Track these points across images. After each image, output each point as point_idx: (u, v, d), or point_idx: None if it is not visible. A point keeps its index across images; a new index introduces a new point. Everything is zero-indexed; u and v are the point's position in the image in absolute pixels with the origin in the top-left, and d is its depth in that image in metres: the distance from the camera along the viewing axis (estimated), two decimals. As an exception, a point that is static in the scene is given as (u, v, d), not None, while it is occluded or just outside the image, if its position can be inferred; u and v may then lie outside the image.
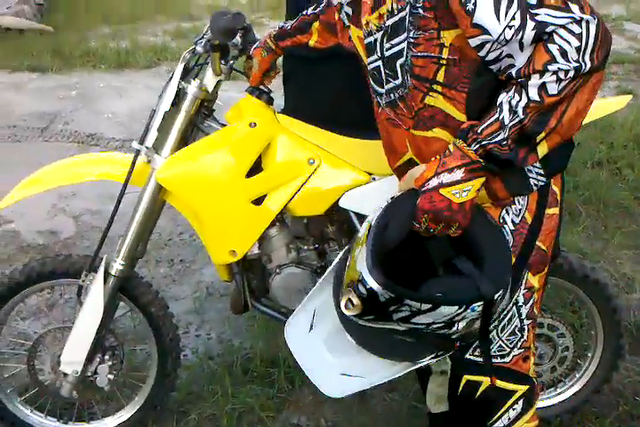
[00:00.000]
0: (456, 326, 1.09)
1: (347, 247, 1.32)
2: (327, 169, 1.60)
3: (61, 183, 1.70)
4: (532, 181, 1.17)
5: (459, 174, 1.05)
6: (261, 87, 1.69)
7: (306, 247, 1.69)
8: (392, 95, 1.20)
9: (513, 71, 1.02)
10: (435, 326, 1.09)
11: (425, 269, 1.14)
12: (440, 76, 1.10)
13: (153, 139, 1.61)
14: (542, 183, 1.18)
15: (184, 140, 1.65)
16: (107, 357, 1.73)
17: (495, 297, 1.07)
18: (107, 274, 1.66)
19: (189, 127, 1.65)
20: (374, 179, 1.60)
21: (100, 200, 3.16)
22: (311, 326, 1.40)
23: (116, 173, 1.66)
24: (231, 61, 1.67)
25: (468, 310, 1.06)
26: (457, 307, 1.05)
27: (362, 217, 1.62)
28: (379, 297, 1.05)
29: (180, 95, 1.61)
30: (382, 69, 1.20)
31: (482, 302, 1.07)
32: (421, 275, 1.11)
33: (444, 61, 1.09)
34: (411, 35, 1.09)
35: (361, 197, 1.60)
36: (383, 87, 1.22)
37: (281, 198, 1.59)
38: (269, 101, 1.68)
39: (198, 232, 1.66)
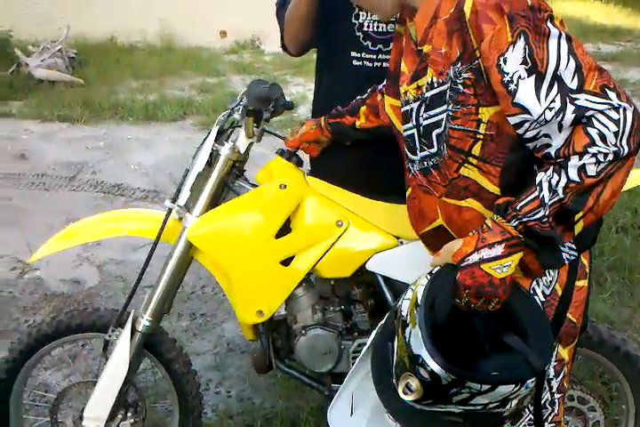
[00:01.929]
0: (509, 404, 1.08)
1: (380, 325, 1.31)
2: (355, 232, 1.62)
3: (94, 239, 1.74)
4: (564, 255, 1.19)
5: (499, 250, 1.06)
6: (291, 150, 1.74)
7: (331, 308, 1.70)
8: (426, 163, 1.24)
9: (551, 151, 1.05)
10: (491, 405, 1.08)
11: (473, 345, 1.14)
12: (476, 150, 1.14)
13: (185, 198, 1.65)
14: (574, 257, 1.20)
15: (215, 200, 1.68)
16: (129, 413, 1.72)
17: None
18: (133, 330, 1.67)
19: (221, 187, 1.69)
20: (402, 243, 1.62)
21: (123, 250, 3.21)
22: (352, 409, 1.38)
23: (148, 230, 1.69)
24: (263, 124, 1.73)
25: (523, 388, 1.06)
26: (514, 385, 1.05)
27: (389, 280, 1.63)
28: (441, 380, 1.04)
29: (213, 156, 1.66)
30: (417, 137, 1.24)
31: (535, 378, 1.06)
32: (471, 352, 1.11)
33: (481, 136, 1.12)
34: (450, 108, 1.13)
35: (389, 261, 1.61)
36: (416, 155, 1.26)
37: (309, 260, 1.61)
38: (299, 163, 1.72)
39: (226, 291, 1.68)
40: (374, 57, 1.70)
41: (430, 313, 1.10)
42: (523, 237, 1.07)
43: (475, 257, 1.08)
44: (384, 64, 1.69)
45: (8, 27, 7.83)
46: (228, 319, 2.64)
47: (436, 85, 1.15)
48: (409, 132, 1.26)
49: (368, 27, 1.68)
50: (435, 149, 1.20)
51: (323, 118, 1.71)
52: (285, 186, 1.63)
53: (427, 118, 1.19)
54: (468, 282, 1.08)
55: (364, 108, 1.64)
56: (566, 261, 1.19)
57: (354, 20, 1.68)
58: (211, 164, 1.66)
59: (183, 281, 1.77)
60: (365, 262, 1.62)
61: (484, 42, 1.04)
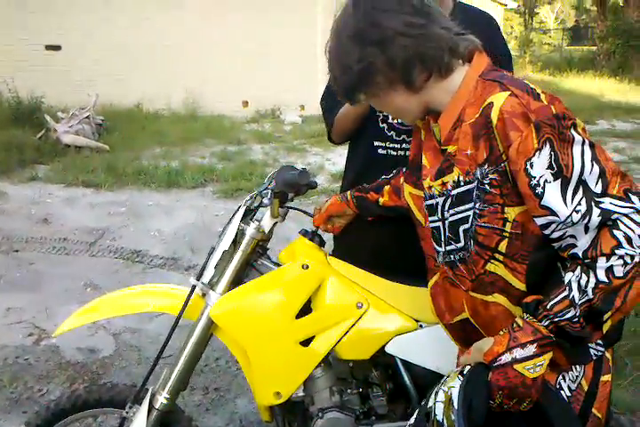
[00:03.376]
0: None
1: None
2: (375, 314, 1.64)
3: (117, 313, 1.76)
4: (592, 351, 1.19)
5: (531, 349, 1.07)
6: (314, 229, 1.78)
7: (349, 391, 1.69)
8: (452, 256, 1.26)
9: (578, 252, 1.08)
10: None
11: None
12: (502, 247, 1.16)
13: (210, 275, 1.69)
14: (600, 353, 1.20)
15: (238, 278, 1.72)
16: None
17: None
18: (150, 407, 1.67)
19: (244, 266, 1.73)
20: (421, 326, 1.63)
21: (139, 320, 3.21)
22: None
23: (171, 306, 1.72)
24: (288, 204, 1.78)
25: None
26: None
27: (407, 364, 1.63)
28: None
29: (238, 235, 1.71)
30: (442, 231, 1.27)
31: None
32: None
33: (507, 234, 1.15)
34: (477, 206, 1.17)
35: (408, 344, 1.61)
36: (442, 246, 1.28)
37: (329, 341, 1.62)
38: (321, 244, 1.76)
39: (244, 370, 1.68)
40: (398, 146, 1.78)
41: (469, 416, 1.08)
42: (554, 336, 1.08)
43: (507, 357, 1.08)
44: (407, 152, 1.75)
45: (39, 93, 8.16)
46: (241, 395, 2.61)
47: (462, 184, 1.19)
48: (434, 225, 1.29)
49: (392, 119, 1.77)
50: (462, 244, 1.22)
51: (349, 192, 1.76)
52: (307, 266, 1.66)
53: (453, 214, 1.22)
54: (501, 383, 1.08)
55: (387, 188, 1.69)
56: (594, 357, 1.20)
57: (378, 113, 1.78)
58: (236, 243, 1.70)
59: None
60: (385, 345, 1.62)
61: (512, 148, 1.09)
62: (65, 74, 10.03)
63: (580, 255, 1.07)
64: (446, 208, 1.24)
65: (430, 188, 1.29)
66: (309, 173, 1.72)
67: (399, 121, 1.76)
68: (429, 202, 1.30)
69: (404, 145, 1.77)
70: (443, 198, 1.25)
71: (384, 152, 1.80)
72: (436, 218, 1.28)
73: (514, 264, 1.17)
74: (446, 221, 1.25)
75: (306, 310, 1.64)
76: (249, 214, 1.76)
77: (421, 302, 1.63)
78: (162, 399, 1.67)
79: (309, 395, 1.67)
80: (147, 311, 1.74)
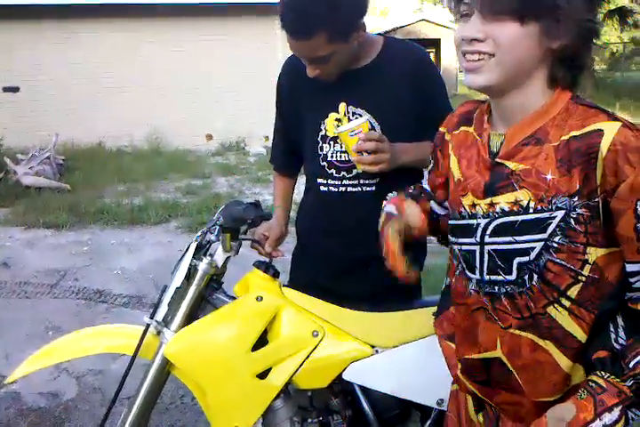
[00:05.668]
0: None
1: None
2: (331, 341, 1.64)
3: (72, 356, 1.74)
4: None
5: (616, 413, 0.99)
6: (268, 261, 1.80)
7: (310, 420, 1.69)
8: (497, 288, 1.12)
9: None
10: None
11: None
12: (572, 292, 1.06)
13: (163, 313, 1.68)
14: None
15: (193, 314, 1.71)
16: None
17: None
18: (108, 450, 1.64)
19: (199, 301, 1.72)
20: (377, 351, 1.64)
21: (103, 360, 3.15)
22: None
23: (125, 346, 1.71)
24: (241, 237, 1.79)
25: None
26: None
27: (366, 389, 1.64)
28: None
29: (191, 271, 1.71)
30: (479, 257, 1.13)
31: None
32: None
33: (583, 278, 1.04)
34: (556, 240, 1.04)
35: (365, 370, 1.62)
36: (475, 273, 1.15)
37: (285, 371, 1.62)
38: (275, 275, 1.77)
39: (202, 406, 1.67)
40: (339, 182, 1.81)
41: None
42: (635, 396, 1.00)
43: (597, 425, 0.99)
44: (348, 189, 1.80)
45: (-2, 136, 8.10)
46: (208, 431, 2.57)
47: (531, 211, 1.05)
48: (468, 248, 1.16)
49: (331, 157, 1.80)
50: (512, 277, 1.09)
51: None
52: (261, 298, 1.66)
53: (507, 243, 1.08)
54: None
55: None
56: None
57: (318, 153, 1.82)
58: (189, 279, 1.71)
59: (162, 391, 1.76)
60: (342, 372, 1.63)
61: (625, 184, 0.98)
62: (24, 115, 9.97)
63: None
64: (488, 232, 1.11)
65: (474, 206, 1.13)
66: (259, 205, 1.74)
67: (338, 158, 1.79)
68: (464, 222, 1.16)
69: (344, 181, 1.80)
70: (486, 220, 1.11)
71: (326, 189, 1.83)
72: (472, 241, 1.14)
73: (582, 312, 1.06)
74: (486, 247, 1.12)
75: (262, 341, 1.65)
76: (201, 250, 1.77)
77: (375, 327, 1.66)
78: (120, 442, 1.65)
79: (270, 427, 1.66)
80: (100, 353, 1.72)
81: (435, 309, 1.40)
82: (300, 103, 1.85)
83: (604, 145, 0.98)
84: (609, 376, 1.01)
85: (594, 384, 1.02)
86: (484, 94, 1.14)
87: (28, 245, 5.19)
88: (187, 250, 1.72)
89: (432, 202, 1.43)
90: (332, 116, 1.77)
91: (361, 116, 1.74)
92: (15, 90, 10.24)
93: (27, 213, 5.98)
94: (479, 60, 1.02)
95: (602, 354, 1.04)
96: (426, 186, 1.47)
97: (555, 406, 1.06)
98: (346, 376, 1.63)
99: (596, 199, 1.00)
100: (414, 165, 1.80)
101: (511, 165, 1.08)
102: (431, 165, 1.39)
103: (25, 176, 6.97)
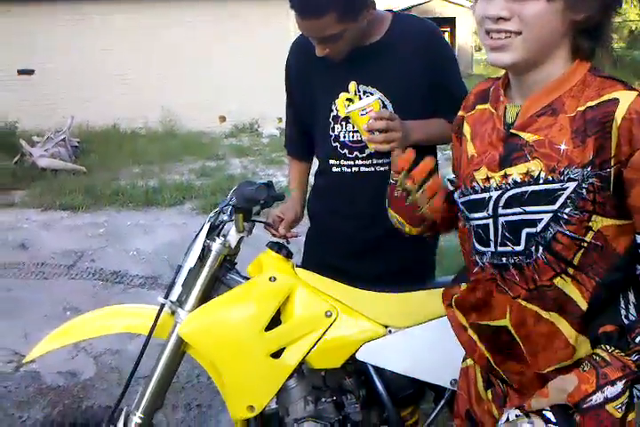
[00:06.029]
0: None
1: None
2: (344, 321, 1.65)
3: (88, 336, 1.76)
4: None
5: (619, 387, 0.98)
6: (281, 242, 1.80)
7: (323, 400, 1.69)
8: (505, 259, 1.11)
9: None
10: None
11: None
12: (576, 259, 1.04)
13: (177, 293, 1.69)
14: None
15: (207, 294, 1.72)
16: None
17: None
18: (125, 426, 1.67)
19: (212, 281, 1.73)
20: (390, 331, 1.64)
21: (120, 340, 3.19)
22: None
23: (141, 326, 1.72)
24: (254, 219, 1.80)
25: None
26: None
27: (379, 370, 1.64)
28: None
29: (204, 252, 1.71)
30: (493, 229, 1.12)
31: None
32: None
33: (585, 244, 1.03)
34: (566, 211, 1.03)
35: (378, 350, 1.63)
36: (489, 246, 1.13)
37: (299, 351, 1.62)
38: (288, 255, 1.77)
39: (218, 385, 1.68)
40: (352, 163, 1.80)
41: None
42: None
43: (599, 397, 0.98)
44: (361, 169, 1.79)
45: (14, 118, 8.14)
46: (223, 410, 2.59)
47: (542, 181, 1.04)
48: (481, 222, 1.14)
49: (344, 137, 1.79)
50: (521, 248, 1.08)
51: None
52: (275, 278, 1.67)
53: (517, 213, 1.07)
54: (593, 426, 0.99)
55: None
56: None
57: (330, 133, 1.80)
58: (202, 259, 1.71)
59: (178, 371, 1.78)
60: (355, 352, 1.64)
61: (639, 153, 0.97)
62: (39, 98, 10.01)
63: None
64: (501, 204, 1.09)
65: (488, 179, 1.11)
66: (272, 186, 1.74)
67: (350, 139, 1.78)
68: (477, 196, 1.14)
69: (357, 162, 1.79)
70: (499, 193, 1.09)
71: (338, 170, 1.82)
72: (484, 215, 1.13)
73: (583, 278, 1.05)
74: (500, 219, 1.10)
75: (275, 321, 1.66)
76: (214, 230, 1.77)
77: (389, 308, 1.66)
78: (136, 419, 1.67)
79: (284, 406, 1.67)
80: (116, 332, 1.74)
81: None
82: (311, 84, 1.83)
83: (619, 114, 0.97)
84: (613, 350, 1.00)
85: (598, 358, 1.01)
86: (501, 73, 1.13)
87: (44, 227, 5.24)
88: (200, 230, 1.72)
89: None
90: (343, 95, 1.76)
91: (372, 94, 1.72)
92: (30, 72, 10.28)
93: (43, 195, 6.03)
94: (505, 38, 1.01)
95: (609, 328, 1.03)
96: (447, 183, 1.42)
97: (557, 378, 1.05)
98: (359, 356, 1.63)
99: (608, 169, 0.99)
100: (427, 142, 1.78)
101: (525, 135, 1.07)
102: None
103: (41, 158, 7.02)
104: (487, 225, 1.12)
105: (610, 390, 0.97)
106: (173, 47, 10.29)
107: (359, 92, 1.74)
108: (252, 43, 10.34)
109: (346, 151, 1.79)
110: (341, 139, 1.79)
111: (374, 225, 1.78)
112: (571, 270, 1.05)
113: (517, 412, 1.06)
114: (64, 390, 2.85)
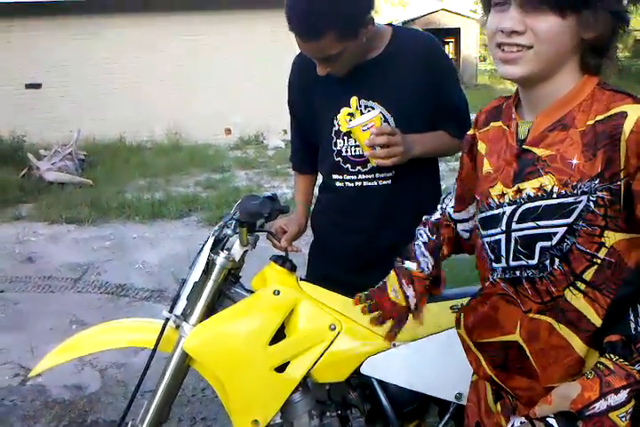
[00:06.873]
0: None
1: None
2: (348, 335, 1.65)
3: (94, 350, 1.77)
4: None
5: (623, 395, 0.98)
6: (284, 255, 1.80)
7: (328, 414, 1.69)
8: (518, 273, 1.12)
9: None
10: None
11: None
12: (588, 275, 1.05)
13: (182, 307, 1.69)
14: None
15: (211, 308, 1.73)
16: None
17: None
18: (130, 442, 1.66)
19: (217, 295, 1.73)
20: (394, 345, 1.64)
21: (125, 354, 3.20)
22: None
23: (146, 340, 1.73)
24: (257, 230, 1.80)
25: None
26: None
27: (384, 383, 1.64)
28: None
29: (209, 265, 1.72)
30: (505, 244, 1.13)
31: None
32: None
33: (598, 261, 1.03)
34: (580, 224, 1.03)
35: (382, 364, 1.63)
36: (500, 262, 1.14)
37: (303, 365, 1.62)
38: (292, 269, 1.77)
39: (222, 399, 1.68)
40: (355, 177, 1.81)
41: None
42: None
43: (602, 405, 0.98)
44: (364, 183, 1.80)
45: (21, 132, 8.20)
46: (228, 424, 2.56)
47: (555, 196, 1.05)
48: (493, 238, 1.15)
49: (346, 152, 1.80)
50: (534, 262, 1.09)
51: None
52: (279, 292, 1.67)
53: (531, 228, 1.08)
54: None
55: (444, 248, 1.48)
56: None
57: (333, 148, 1.81)
58: (207, 273, 1.72)
59: (183, 384, 1.78)
60: (360, 366, 1.63)
61: None
62: (46, 111, 10.09)
63: None
64: (515, 219, 1.10)
65: (502, 195, 1.13)
66: (276, 199, 1.75)
67: (353, 153, 1.79)
68: (492, 213, 1.15)
69: (359, 176, 1.80)
70: (512, 207, 1.10)
71: (341, 184, 1.83)
72: (497, 230, 1.13)
73: (596, 295, 1.05)
74: (513, 234, 1.11)
75: (279, 335, 1.66)
76: (218, 244, 1.78)
77: (393, 321, 1.65)
78: (141, 434, 1.67)
79: (289, 421, 1.67)
80: (121, 347, 1.74)
81: (453, 302, 1.38)
82: (313, 100, 1.85)
83: (628, 127, 0.97)
84: (618, 359, 1.00)
85: (602, 366, 1.01)
86: (506, 84, 1.15)
87: (51, 240, 5.27)
88: (204, 244, 1.73)
89: (458, 225, 1.43)
90: (345, 110, 1.77)
91: (373, 109, 1.73)
92: (38, 86, 10.36)
93: (50, 209, 6.06)
94: (517, 51, 1.03)
95: (614, 338, 1.03)
96: (448, 208, 1.46)
97: (561, 385, 1.06)
98: (363, 370, 1.63)
99: (618, 183, 0.99)
100: (429, 155, 1.79)
101: (538, 151, 1.08)
102: (459, 171, 1.38)
103: (48, 172, 7.06)
104: (499, 241, 1.13)
105: (613, 399, 0.97)
106: (179, 60, 10.37)
107: (360, 106, 1.75)
108: (258, 55, 10.40)
109: (348, 166, 1.80)
110: (344, 153, 1.80)
111: (378, 239, 1.79)
112: (582, 286, 1.05)
113: (522, 419, 1.07)
114: (70, 403, 2.84)
